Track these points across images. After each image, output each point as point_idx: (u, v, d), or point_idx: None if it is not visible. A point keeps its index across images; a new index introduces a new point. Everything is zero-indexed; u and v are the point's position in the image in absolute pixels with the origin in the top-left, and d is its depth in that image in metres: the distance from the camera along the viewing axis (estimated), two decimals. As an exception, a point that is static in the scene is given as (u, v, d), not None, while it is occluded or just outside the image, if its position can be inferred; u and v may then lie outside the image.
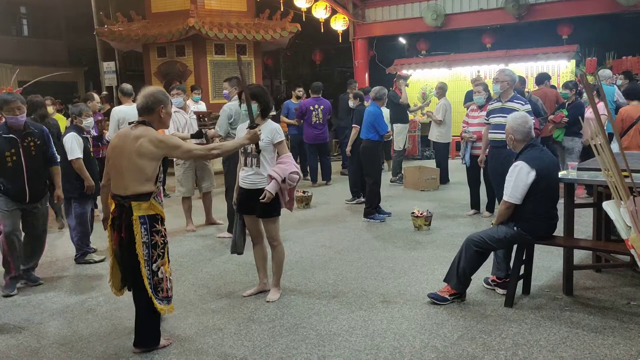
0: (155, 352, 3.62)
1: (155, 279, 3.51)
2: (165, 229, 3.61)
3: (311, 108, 9.63)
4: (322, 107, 9.69)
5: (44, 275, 5.30)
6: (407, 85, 10.20)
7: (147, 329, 3.62)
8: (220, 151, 3.79)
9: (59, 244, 6.49)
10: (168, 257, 3.62)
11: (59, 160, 5.17)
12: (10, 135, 4.74)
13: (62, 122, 9.19)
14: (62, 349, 3.73)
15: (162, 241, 3.54)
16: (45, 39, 21.26)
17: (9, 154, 4.72)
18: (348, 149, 8.05)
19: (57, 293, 4.86)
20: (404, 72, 12.14)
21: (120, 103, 7.99)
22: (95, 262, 5.66)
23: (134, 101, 7.89)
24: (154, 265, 3.50)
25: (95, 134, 7.66)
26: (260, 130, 3.96)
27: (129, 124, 3.71)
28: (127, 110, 7.58)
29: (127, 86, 7.98)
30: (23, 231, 4.99)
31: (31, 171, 4.81)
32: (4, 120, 4.88)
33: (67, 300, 4.66)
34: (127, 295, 4.69)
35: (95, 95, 8.33)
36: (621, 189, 1.03)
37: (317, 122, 9.65)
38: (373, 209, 7.16)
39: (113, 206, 3.60)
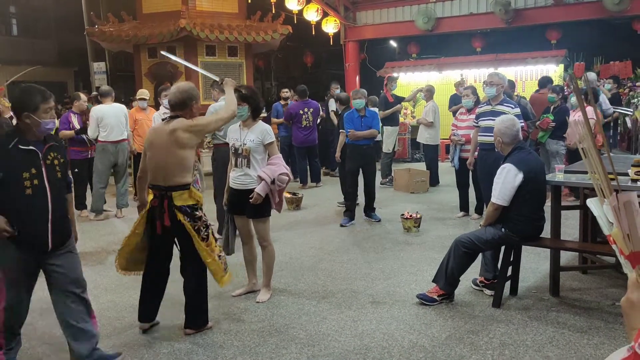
0: (145, 350, 3.63)
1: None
2: (204, 214, 3.86)
3: (301, 112, 9.62)
4: (311, 109, 9.71)
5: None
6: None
7: (197, 310, 3.89)
8: (233, 106, 4.01)
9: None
10: (214, 238, 3.92)
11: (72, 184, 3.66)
12: (31, 147, 3.09)
13: None
14: (51, 349, 3.73)
15: (204, 225, 3.79)
16: (35, 39, 21.13)
17: (27, 175, 3.05)
18: (337, 155, 7.81)
19: (45, 293, 4.82)
20: (394, 74, 12.18)
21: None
22: None
23: (113, 100, 7.94)
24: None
25: (79, 126, 7.69)
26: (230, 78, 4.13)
27: (162, 120, 4.05)
28: (105, 109, 7.67)
29: (104, 87, 8.28)
30: (50, 291, 3.35)
31: (57, 202, 3.19)
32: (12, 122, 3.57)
33: (56, 301, 4.64)
34: (115, 295, 4.69)
35: (82, 95, 8.36)
36: (606, 188, 1.07)
37: (307, 125, 9.66)
38: (347, 211, 7.18)
39: (152, 196, 3.84)
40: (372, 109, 10.73)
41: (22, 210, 3.05)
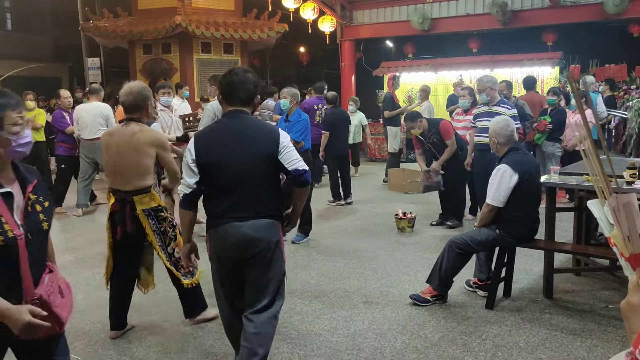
0: (135, 348, 3.60)
1: (174, 259, 3.74)
2: (170, 214, 3.81)
3: (315, 107, 9.51)
4: (325, 107, 9.59)
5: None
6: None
7: (190, 300, 3.90)
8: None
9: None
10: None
11: None
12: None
13: (42, 116, 9.13)
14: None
15: (170, 226, 3.73)
16: (30, 34, 20.96)
17: None
18: (321, 154, 8.05)
19: (36, 290, 4.79)
20: (397, 74, 12.12)
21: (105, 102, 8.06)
22: None
23: (101, 99, 7.82)
24: (169, 248, 3.73)
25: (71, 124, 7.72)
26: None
27: (119, 122, 3.85)
28: (82, 108, 7.81)
29: (94, 85, 8.40)
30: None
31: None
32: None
33: (46, 297, 4.60)
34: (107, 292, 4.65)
35: (62, 92, 8.23)
36: (606, 190, 1.05)
37: (320, 121, 9.54)
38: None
39: (112, 200, 3.71)
40: (354, 110, 10.64)
41: None
